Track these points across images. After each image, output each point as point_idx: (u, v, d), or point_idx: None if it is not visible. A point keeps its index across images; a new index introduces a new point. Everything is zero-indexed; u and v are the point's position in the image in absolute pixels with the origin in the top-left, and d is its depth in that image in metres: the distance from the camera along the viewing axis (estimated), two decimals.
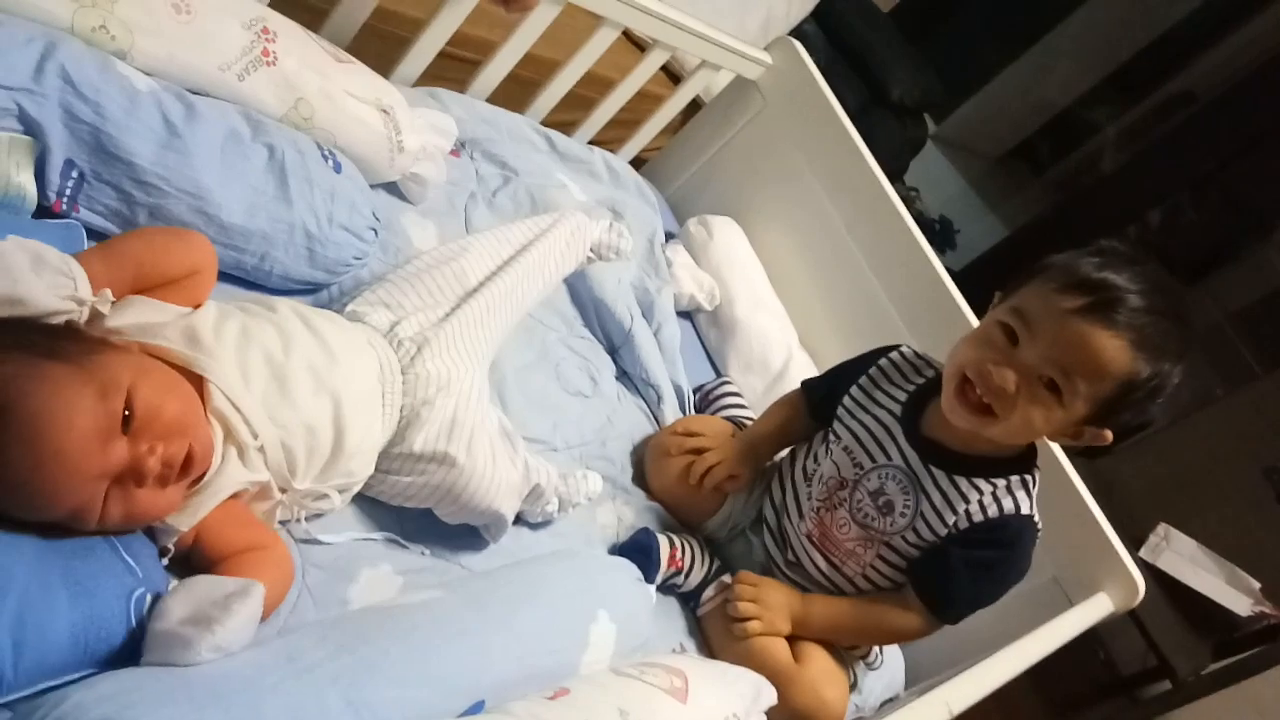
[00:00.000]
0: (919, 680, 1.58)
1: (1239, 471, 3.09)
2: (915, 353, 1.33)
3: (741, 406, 1.73)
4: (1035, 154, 5.26)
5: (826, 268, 1.86)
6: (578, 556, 1.15)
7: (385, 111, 1.30)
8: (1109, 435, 1.12)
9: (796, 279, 1.89)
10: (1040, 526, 1.22)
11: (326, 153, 1.22)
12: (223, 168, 1.09)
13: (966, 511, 1.20)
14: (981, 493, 1.19)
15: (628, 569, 1.17)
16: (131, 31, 1.07)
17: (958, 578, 1.22)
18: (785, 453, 1.48)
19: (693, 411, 1.68)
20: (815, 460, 1.37)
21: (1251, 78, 3.68)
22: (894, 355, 1.33)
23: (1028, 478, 1.21)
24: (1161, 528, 2.83)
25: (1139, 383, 1.06)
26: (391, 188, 1.41)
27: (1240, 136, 4.05)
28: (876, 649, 1.43)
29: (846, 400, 1.33)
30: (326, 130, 1.24)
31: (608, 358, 1.59)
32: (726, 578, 1.37)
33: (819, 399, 1.40)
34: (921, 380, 1.29)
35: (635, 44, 2.23)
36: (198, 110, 1.09)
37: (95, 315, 0.90)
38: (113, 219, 1.04)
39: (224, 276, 1.15)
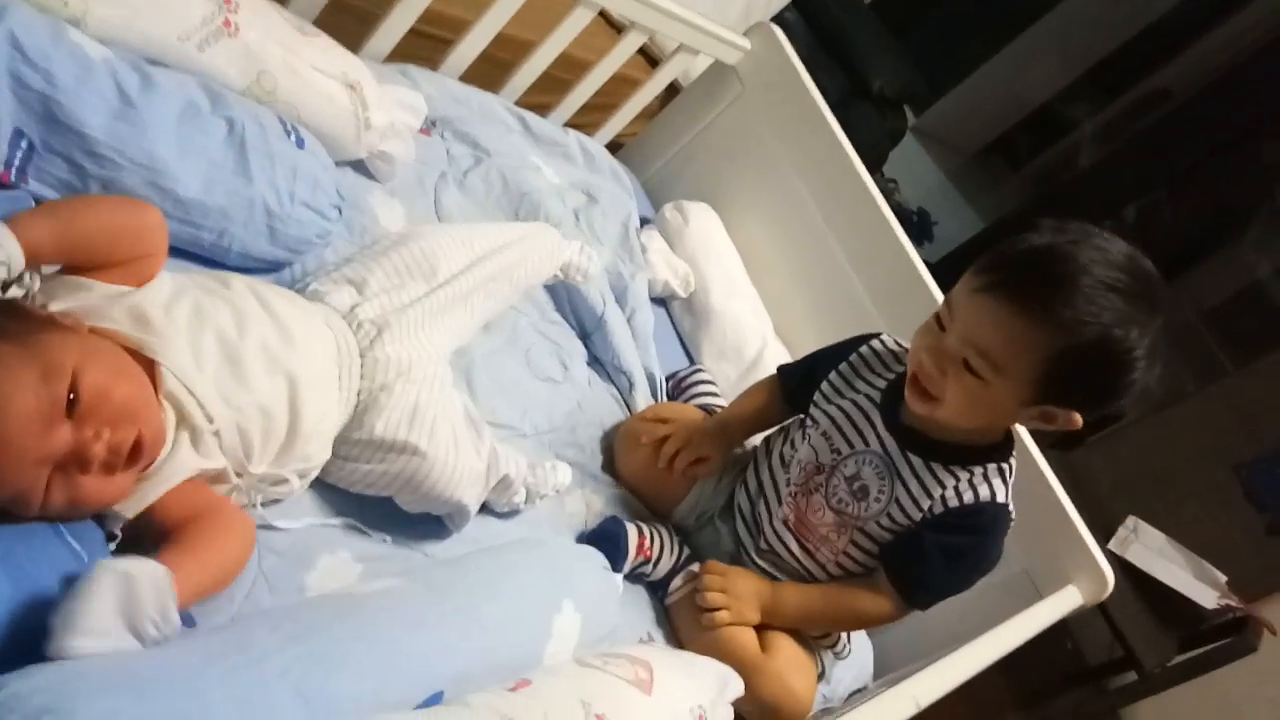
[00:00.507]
0: (888, 671, 1.57)
1: (1209, 467, 3.11)
2: (896, 341, 1.31)
3: (714, 395, 1.71)
4: (1013, 148, 5.27)
5: (803, 257, 1.84)
6: (543, 545, 1.12)
7: (352, 87, 1.26)
8: (1078, 418, 1.09)
9: (772, 267, 1.87)
10: (1014, 515, 1.22)
11: (289, 128, 1.18)
12: (179, 140, 1.05)
13: (942, 497, 1.19)
14: (957, 479, 1.19)
15: (594, 558, 1.15)
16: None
17: (931, 563, 1.21)
18: (759, 440, 1.46)
19: (665, 399, 1.66)
20: (792, 446, 1.35)
21: (1227, 76, 3.70)
22: (875, 344, 1.32)
23: (1004, 466, 1.20)
24: (1130, 520, 2.85)
25: (1071, 355, 1.01)
26: (358, 166, 1.38)
27: (1216, 134, 4.07)
28: (844, 638, 1.42)
29: (824, 386, 1.32)
30: (290, 104, 1.20)
31: (579, 343, 1.56)
32: (695, 567, 1.36)
33: (795, 384, 1.39)
34: (901, 369, 1.28)
35: (612, 26, 2.20)
36: (154, 81, 1.05)
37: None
38: (63, 190, 1.00)
39: (180, 253, 1.12)
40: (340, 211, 1.22)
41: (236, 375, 0.93)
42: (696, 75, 2.03)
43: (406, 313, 1.12)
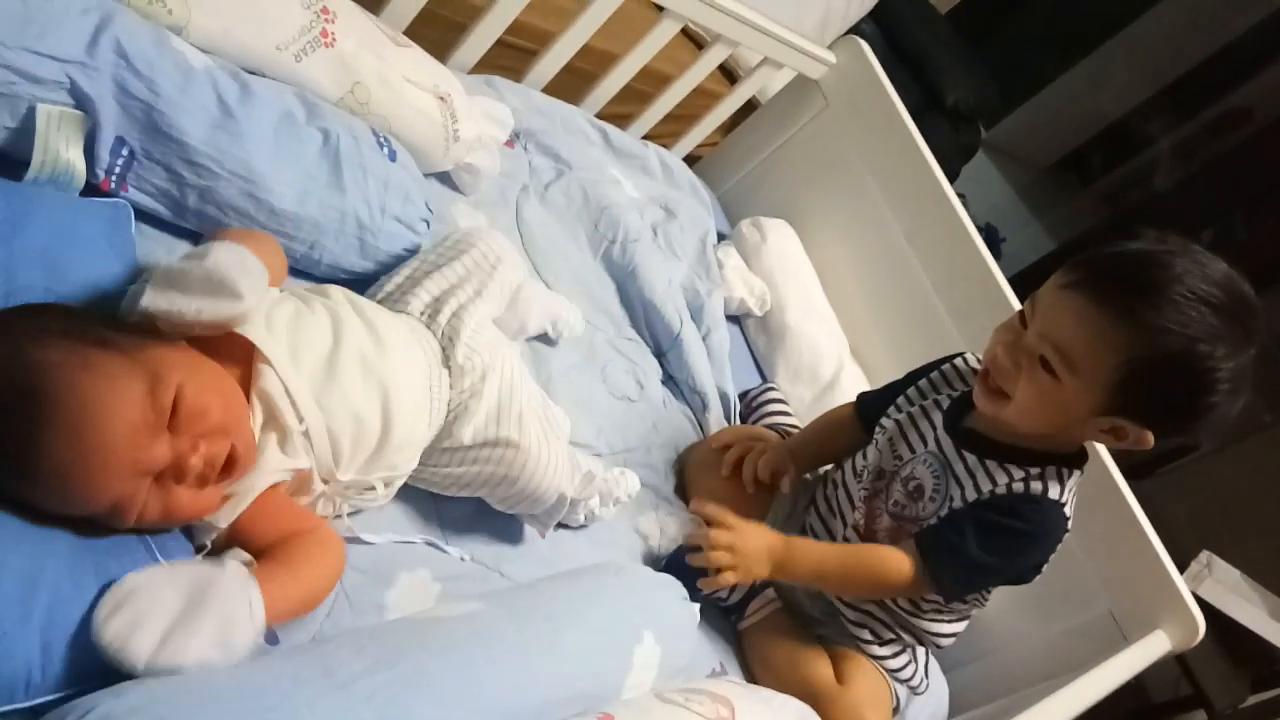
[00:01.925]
0: (963, 708, 1.52)
1: None
2: (979, 359, 1.26)
3: (786, 414, 1.68)
4: (1086, 165, 5.15)
5: (882, 277, 1.80)
6: (623, 572, 1.10)
7: (442, 99, 1.26)
8: (1149, 437, 1.04)
9: (851, 287, 1.83)
10: (1070, 520, 1.14)
11: (382, 140, 1.18)
12: (276, 151, 1.05)
13: (992, 491, 1.14)
14: (1012, 477, 1.13)
15: (674, 587, 1.12)
16: (189, 6, 1.04)
17: (963, 535, 1.13)
18: (832, 466, 1.43)
19: (737, 420, 1.63)
20: (864, 456, 1.32)
21: None
22: (957, 361, 1.30)
23: (1065, 471, 1.13)
24: (1204, 555, 2.75)
25: (1151, 363, 0.97)
26: (444, 177, 1.37)
27: None
28: (922, 672, 1.37)
29: (900, 400, 1.31)
30: (382, 116, 1.20)
31: (655, 361, 1.54)
32: (770, 592, 1.33)
33: (874, 414, 1.35)
34: (966, 388, 1.25)
35: (693, 40, 2.18)
36: (253, 90, 1.05)
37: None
38: (161, 199, 1.01)
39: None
40: (429, 225, 1.21)
41: (331, 378, 0.93)
42: (776, 90, 2.00)
43: (470, 311, 1.11)
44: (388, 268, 1.17)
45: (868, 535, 1.29)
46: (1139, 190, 4.82)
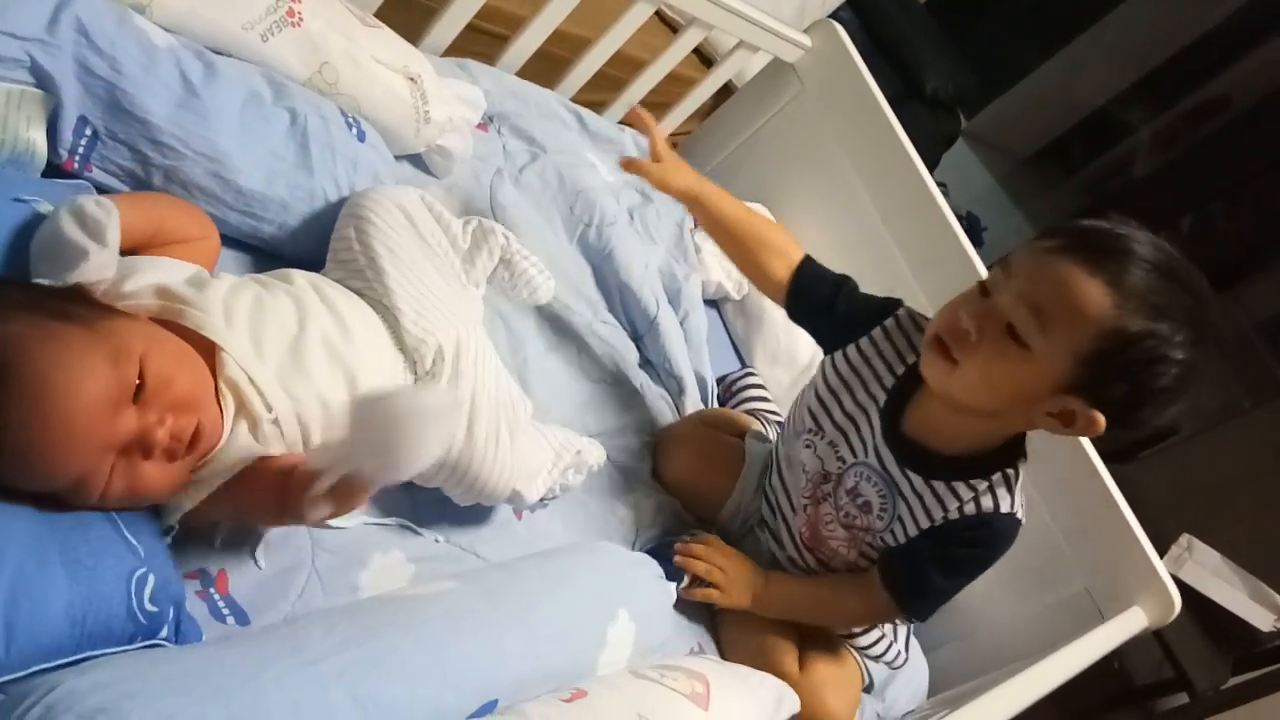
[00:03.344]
0: (942, 687, 1.53)
1: (1265, 485, 3.02)
2: (911, 316, 1.21)
3: (765, 400, 1.68)
4: (1066, 154, 5.17)
5: (860, 261, 1.77)
6: (598, 550, 1.10)
7: (412, 80, 1.25)
8: (1100, 420, 0.99)
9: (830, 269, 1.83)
10: (1022, 519, 1.13)
11: (350, 120, 1.17)
12: (242, 131, 1.04)
13: (945, 517, 1.13)
14: (961, 499, 1.12)
15: (649, 565, 1.12)
16: None
17: (929, 575, 1.16)
18: (775, 442, 1.41)
19: (715, 404, 1.63)
20: (799, 450, 1.28)
21: None
22: (895, 318, 1.21)
23: (1009, 472, 1.12)
24: (1184, 538, 2.77)
25: (1125, 338, 0.94)
26: (416, 160, 1.36)
27: (1275, 145, 3.96)
28: (894, 643, 1.36)
29: (837, 362, 1.23)
30: (351, 96, 1.19)
31: (631, 344, 1.54)
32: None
33: (804, 297, 1.28)
34: (911, 359, 1.17)
35: (667, 24, 2.17)
36: (218, 70, 1.04)
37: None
38: (126, 180, 1.00)
39: (239, 244, 1.11)
40: None
41: (297, 366, 0.92)
42: (751, 74, 1.99)
43: (433, 295, 1.09)
44: None
45: (816, 542, 1.29)
46: (1119, 179, 4.84)
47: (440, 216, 1.13)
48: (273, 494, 0.83)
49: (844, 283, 1.28)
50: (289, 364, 0.91)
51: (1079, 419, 1.00)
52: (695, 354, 1.60)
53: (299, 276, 1.01)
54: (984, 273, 1.67)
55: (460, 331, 1.07)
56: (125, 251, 0.89)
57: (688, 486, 1.42)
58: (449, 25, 1.49)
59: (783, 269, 1.29)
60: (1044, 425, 1.05)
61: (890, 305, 1.24)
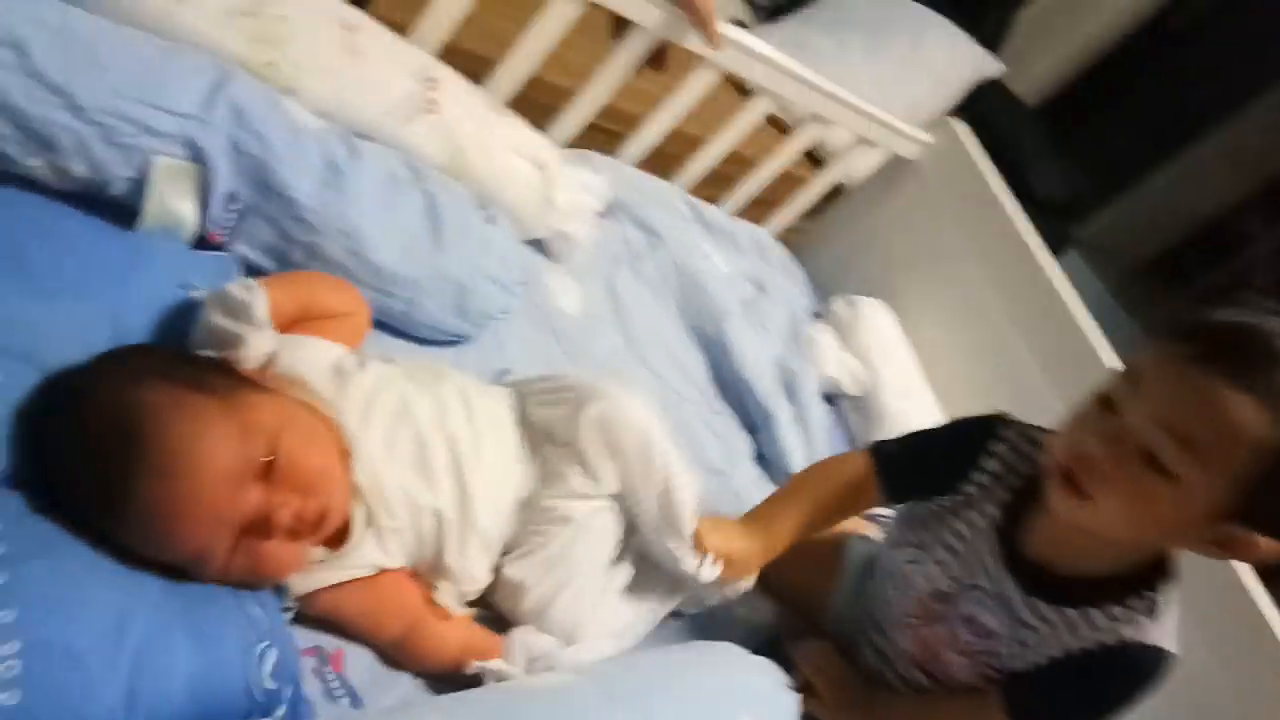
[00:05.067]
0: None
1: None
2: (1021, 434, 1.06)
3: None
4: (1182, 263, 5.01)
5: (985, 359, 1.73)
6: (717, 649, 1.04)
7: (540, 167, 1.27)
8: (1260, 543, 0.86)
9: (951, 369, 1.77)
10: (1174, 650, 0.97)
11: (481, 204, 1.18)
12: (379, 211, 1.06)
13: (1081, 648, 0.98)
14: (1098, 628, 0.97)
15: (773, 672, 1.05)
16: (301, 71, 1.07)
17: (1063, 710, 1.00)
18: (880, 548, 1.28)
19: None
20: (902, 565, 1.15)
21: None
22: (1001, 440, 1.06)
23: (1156, 599, 0.96)
24: None
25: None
26: (538, 244, 1.37)
27: None
28: None
29: (939, 503, 1.11)
30: (482, 180, 1.21)
31: (747, 436, 1.49)
32: None
33: (899, 479, 1.15)
34: (1026, 471, 1.04)
35: (775, 126, 2.19)
36: (359, 152, 1.07)
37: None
38: (268, 254, 1.02)
39: (378, 322, 1.12)
40: (522, 289, 1.21)
41: (422, 475, 0.90)
42: (858, 173, 1.98)
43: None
44: (481, 328, 1.16)
45: (927, 660, 1.14)
46: (1239, 292, 4.65)
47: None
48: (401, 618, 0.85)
49: (926, 435, 1.18)
50: (414, 474, 0.90)
51: (1239, 543, 0.88)
52: (811, 451, 1.55)
53: (450, 381, 0.99)
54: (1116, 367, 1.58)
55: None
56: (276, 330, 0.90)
57: (788, 586, 1.34)
58: (573, 119, 1.52)
59: (858, 467, 1.15)
60: (1199, 551, 0.92)
61: (990, 426, 1.09)
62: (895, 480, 1.14)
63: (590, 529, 1.00)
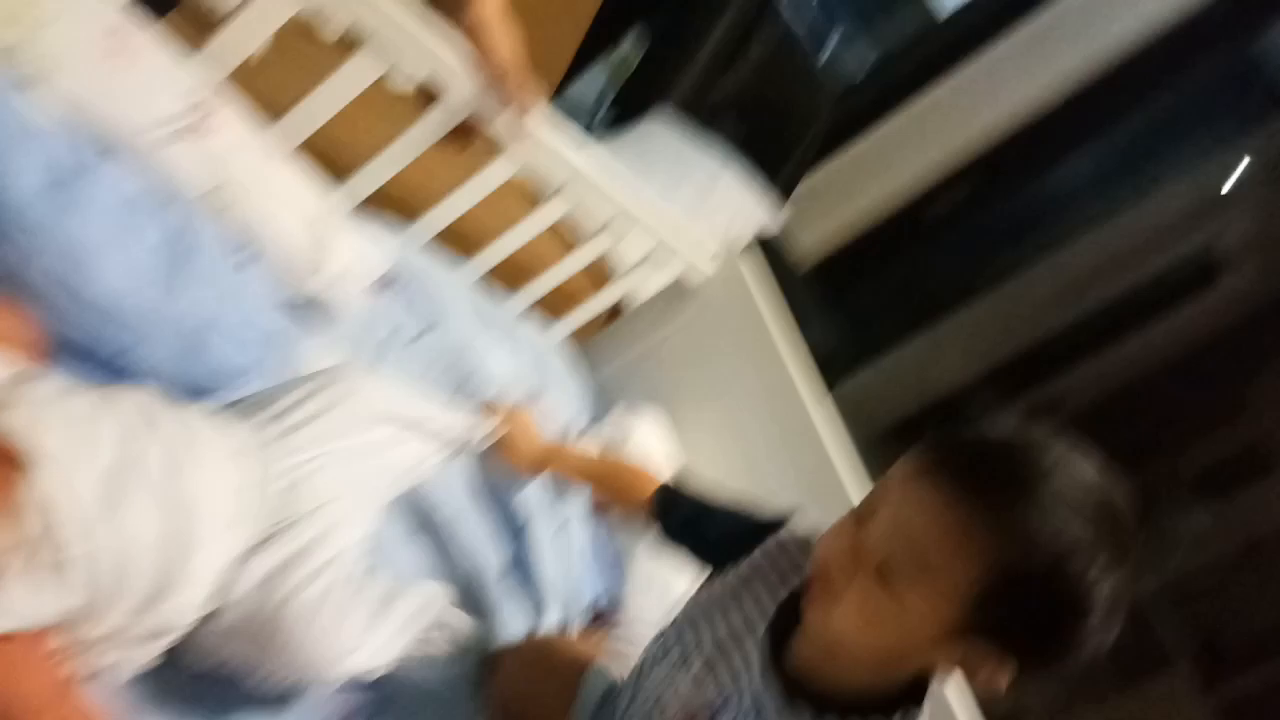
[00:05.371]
0: None
1: None
2: (798, 540, 1.06)
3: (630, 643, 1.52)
4: (918, 433, 5.40)
5: (749, 479, 1.74)
6: None
7: (313, 221, 1.15)
8: (1009, 668, 0.83)
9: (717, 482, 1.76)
10: None
11: (236, 247, 1.05)
12: (108, 234, 0.92)
13: None
14: None
15: None
16: (49, 61, 0.92)
17: None
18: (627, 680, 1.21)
19: (576, 628, 1.47)
20: (661, 680, 1.09)
21: (1118, 394, 3.89)
22: (778, 540, 1.07)
23: (912, 711, 0.93)
24: None
25: (1021, 572, 0.79)
26: (302, 307, 1.23)
27: (1104, 447, 4.23)
28: None
29: (716, 582, 1.09)
30: (245, 222, 1.08)
31: (500, 548, 1.39)
32: None
33: (676, 528, 1.19)
34: (795, 583, 1.03)
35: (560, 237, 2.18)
36: (97, 166, 0.93)
37: None
38: None
39: (83, 357, 0.95)
40: (268, 350, 1.07)
41: (112, 504, 0.75)
42: (644, 291, 2.00)
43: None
44: (213, 389, 1.01)
45: None
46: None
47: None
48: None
49: (714, 504, 1.18)
50: (102, 498, 0.75)
51: (987, 665, 0.84)
52: (567, 569, 1.46)
53: (143, 396, 0.86)
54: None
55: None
56: None
57: (515, 715, 1.24)
58: (363, 182, 1.40)
59: (646, 491, 1.22)
60: (948, 670, 0.89)
61: (772, 525, 1.10)
62: (665, 513, 1.20)
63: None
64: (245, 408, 0.97)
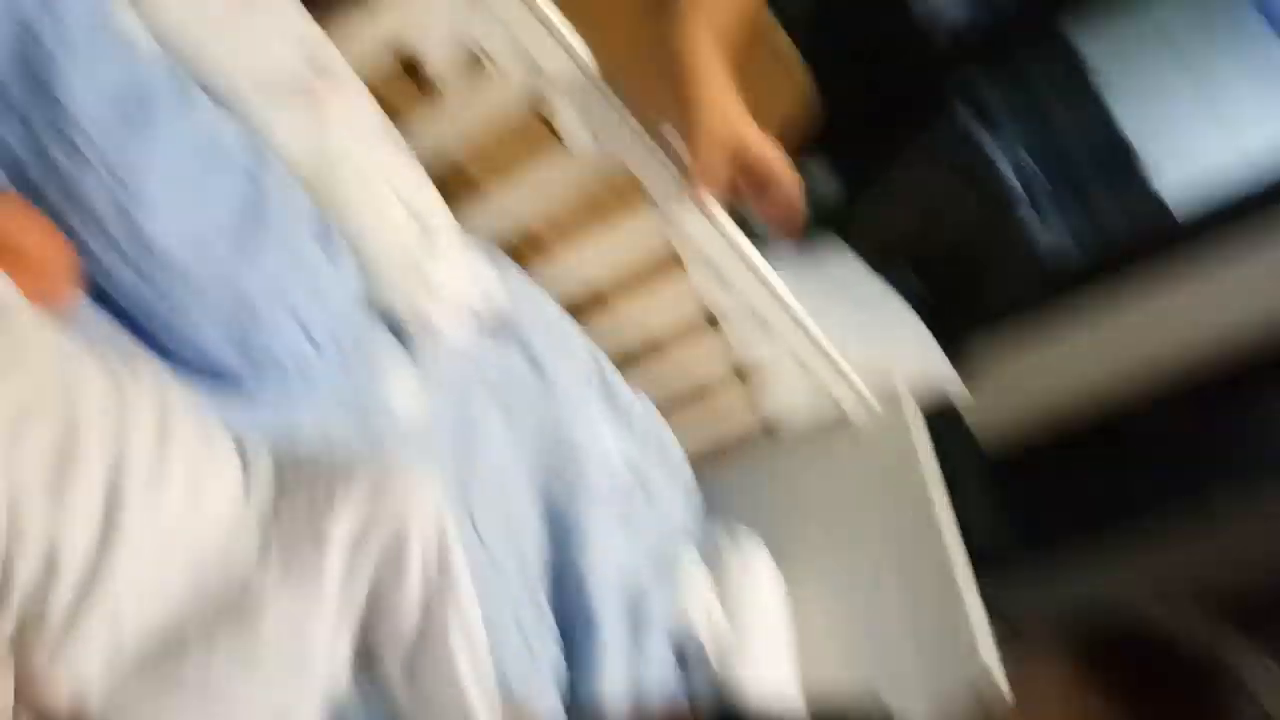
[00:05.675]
0: None
1: None
2: None
3: None
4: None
5: (861, 634, 1.49)
6: None
7: (425, 228, 1.03)
8: None
9: (821, 631, 1.52)
10: None
11: (325, 230, 0.93)
12: (180, 173, 0.81)
13: None
14: None
15: None
16: None
17: None
18: None
19: None
20: None
21: None
22: None
23: None
24: None
25: None
26: (395, 325, 1.10)
27: None
28: None
29: None
30: (342, 207, 0.96)
31: (556, 651, 1.17)
32: None
33: None
34: None
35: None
36: (191, 102, 0.84)
37: None
38: (7, 167, 0.76)
39: (117, 311, 0.83)
40: (335, 351, 0.93)
41: (55, 491, 0.60)
42: (791, 411, 1.78)
43: None
44: (259, 373, 0.87)
45: None
46: None
47: None
48: None
49: None
50: (44, 483, 0.60)
51: None
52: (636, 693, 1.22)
53: (154, 375, 0.72)
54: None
55: None
56: None
57: None
58: (491, 215, 1.28)
59: None
60: None
61: None
62: None
63: None
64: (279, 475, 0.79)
